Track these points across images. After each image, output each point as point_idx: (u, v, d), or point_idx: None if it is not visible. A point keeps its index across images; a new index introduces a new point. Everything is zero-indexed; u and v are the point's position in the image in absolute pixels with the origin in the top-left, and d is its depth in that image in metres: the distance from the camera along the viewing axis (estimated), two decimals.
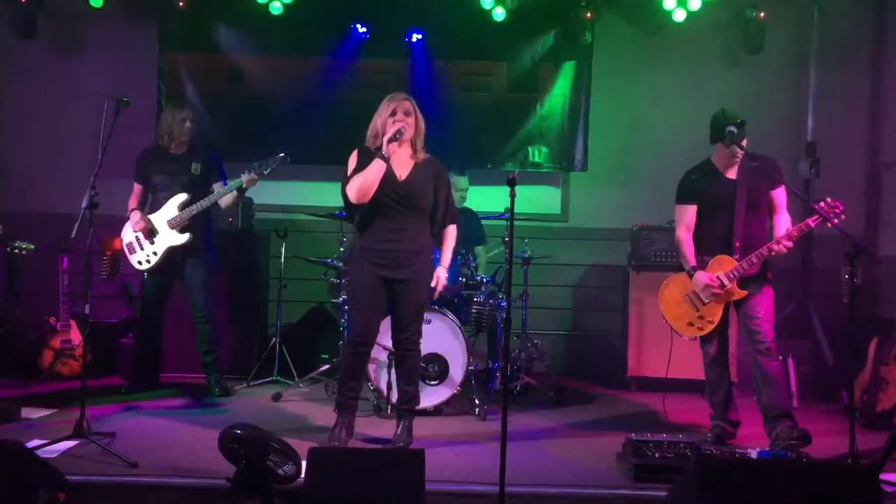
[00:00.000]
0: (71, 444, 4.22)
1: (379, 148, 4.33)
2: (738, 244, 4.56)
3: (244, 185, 5.33)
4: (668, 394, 5.30)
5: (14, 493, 3.33)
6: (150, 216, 5.48)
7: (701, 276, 4.59)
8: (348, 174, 4.40)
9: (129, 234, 5.53)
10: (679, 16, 6.49)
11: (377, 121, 4.41)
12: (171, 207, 5.45)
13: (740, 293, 4.58)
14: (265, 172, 5.31)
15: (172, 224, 5.42)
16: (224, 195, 5.39)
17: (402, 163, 4.42)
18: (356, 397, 4.55)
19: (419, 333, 4.53)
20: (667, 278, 4.84)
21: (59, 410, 5.01)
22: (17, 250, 4.55)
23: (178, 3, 6.59)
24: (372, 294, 4.41)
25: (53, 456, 4.03)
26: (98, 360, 5.86)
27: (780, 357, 4.67)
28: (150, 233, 5.44)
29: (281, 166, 5.32)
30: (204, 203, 5.37)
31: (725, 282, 4.54)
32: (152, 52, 6.82)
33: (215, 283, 5.67)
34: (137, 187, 5.58)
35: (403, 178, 4.39)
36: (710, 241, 4.66)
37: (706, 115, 4.74)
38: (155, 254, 5.46)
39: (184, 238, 5.42)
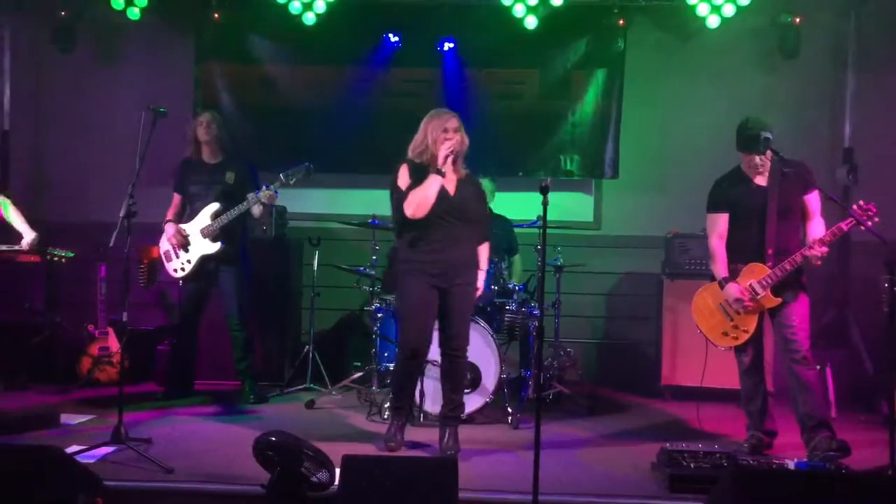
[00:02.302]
0: (109, 449, 4.29)
1: (427, 163, 4.41)
2: (770, 251, 4.51)
3: (263, 201, 5.34)
4: (703, 403, 5.24)
5: (54, 498, 3.38)
6: (185, 225, 5.56)
7: (732, 289, 4.54)
8: (402, 188, 4.45)
9: (165, 242, 5.62)
10: (713, 22, 6.43)
11: (426, 136, 4.46)
12: (205, 216, 5.52)
13: (774, 301, 4.52)
14: (291, 182, 5.35)
15: (205, 233, 5.49)
16: (250, 206, 5.41)
17: (449, 178, 4.50)
18: (411, 402, 4.67)
19: (467, 340, 4.60)
20: (700, 287, 4.79)
21: (97, 416, 5.10)
22: (56, 258, 4.63)
23: (214, 14, 6.69)
24: (425, 304, 4.49)
25: (92, 461, 4.10)
26: (135, 366, 5.94)
27: (817, 366, 4.60)
28: (185, 242, 5.52)
29: (315, 175, 5.37)
30: (234, 212, 5.41)
31: (759, 290, 4.49)
32: (188, 62, 6.92)
33: (249, 292, 5.72)
34: (176, 197, 5.67)
35: (454, 192, 4.49)
36: (742, 250, 4.61)
37: (740, 121, 4.70)
38: (189, 262, 5.54)
39: (215, 247, 5.48)
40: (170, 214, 5.64)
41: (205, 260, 5.53)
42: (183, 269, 5.56)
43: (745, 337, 4.59)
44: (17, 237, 4.66)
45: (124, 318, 4.53)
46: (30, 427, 4.77)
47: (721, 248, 4.66)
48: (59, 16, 6.72)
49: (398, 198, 4.45)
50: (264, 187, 5.35)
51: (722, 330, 4.63)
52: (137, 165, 4.51)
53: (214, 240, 5.49)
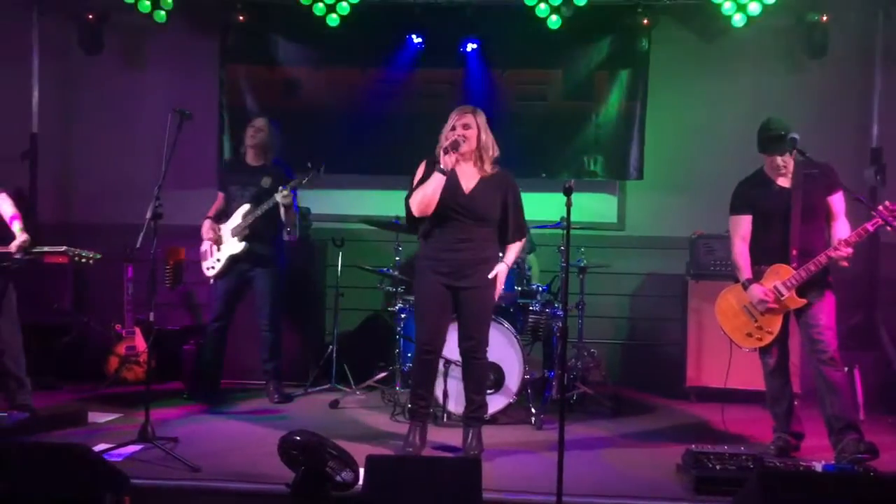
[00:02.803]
0: (136, 448, 4.35)
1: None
2: (794, 252, 4.47)
3: (280, 202, 5.39)
4: (729, 404, 5.20)
5: (82, 496, 3.42)
6: (222, 225, 5.66)
7: (755, 290, 4.51)
8: (413, 185, 4.44)
9: (205, 241, 5.71)
10: (738, 20, 6.37)
11: (443, 132, 4.45)
12: (237, 216, 5.61)
13: (799, 302, 4.48)
14: (303, 183, 5.41)
15: (234, 233, 5.57)
16: (262, 210, 5.46)
17: (469, 175, 4.45)
18: (428, 405, 4.61)
19: (485, 342, 4.54)
20: (724, 288, 4.76)
21: (125, 415, 5.16)
22: (83, 259, 4.68)
23: (239, 16, 6.73)
24: (436, 302, 4.45)
25: (119, 459, 4.16)
26: (161, 366, 5.99)
27: (845, 367, 4.55)
28: (219, 241, 5.61)
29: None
30: (258, 211, 5.48)
31: (783, 291, 4.45)
32: (213, 65, 6.97)
33: (282, 295, 5.75)
34: (220, 195, 5.78)
35: (469, 190, 4.43)
36: (766, 251, 4.58)
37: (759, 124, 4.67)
38: (219, 260, 5.62)
39: (240, 247, 5.54)
40: (210, 212, 5.74)
41: (234, 260, 5.59)
42: (213, 268, 5.66)
43: (770, 338, 4.55)
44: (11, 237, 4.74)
45: (151, 318, 4.58)
46: (58, 425, 4.84)
47: (744, 249, 4.63)
48: (86, 18, 6.80)
49: (408, 194, 4.46)
50: (280, 188, 5.40)
51: (746, 331, 4.60)
52: (163, 168, 4.55)
53: (242, 240, 5.54)
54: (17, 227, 4.66)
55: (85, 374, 6.13)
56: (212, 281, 5.71)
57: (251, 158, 5.74)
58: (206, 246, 5.70)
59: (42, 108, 7.04)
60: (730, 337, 4.65)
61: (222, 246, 5.61)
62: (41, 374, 5.24)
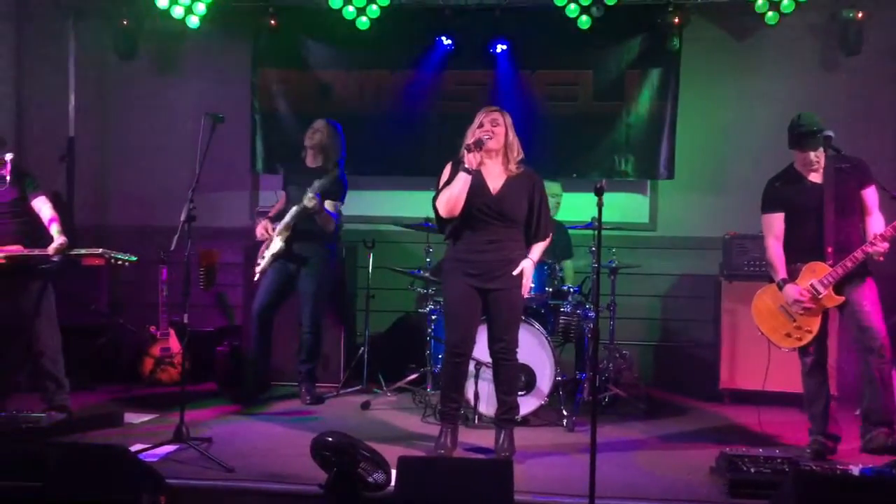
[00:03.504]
0: (171, 448, 4.39)
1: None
2: (830, 249, 4.40)
3: (308, 207, 5.37)
4: (765, 407, 5.14)
5: (118, 496, 3.47)
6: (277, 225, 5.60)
7: (790, 290, 4.45)
8: (439, 187, 4.45)
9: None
10: (771, 18, 6.31)
11: (468, 133, 4.44)
12: (287, 217, 5.56)
13: (836, 300, 4.41)
14: (325, 185, 5.40)
15: (278, 232, 5.54)
16: (296, 215, 5.45)
17: (495, 175, 4.44)
18: (458, 407, 4.61)
19: (515, 343, 4.52)
20: (759, 289, 4.70)
21: (160, 416, 5.22)
22: (119, 262, 4.75)
23: (270, 21, 6.80)
24: (465, 304, 4.44)
25: (154, 460, 4.20)
26: (195, 367, 6.06)
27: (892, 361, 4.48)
28: (268, 237, 5.58)
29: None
30: (292, 212, 5.44)
31: (820, 289, 4.39)
32: (245, 69, 7.05)
33: (326, 296, 5.74)
34: (283, 195, 5.79)
35: (496, 190, 4.41)
36: (801, 249, 4.52)
37: (789, 121, 4.62)
38: (263, 258, 5.59)
39: (278, 246, 5.50)
40: (271, 212, 5.76)
41: (276, 258, 5.54)
42: (258, 265, 5.63)
43: (809, 337, 4.49)
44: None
45: (185, 320, 4.63)
46: (95, 426, 4.91)
47: (778, 248, 4.57)
48: (121, 25, 6.92)
49: (435, 195, 4.46)
50: (307, 193, 5.38)
51: (785, 331, 4.54)
52: (197, 171, 4.61)
53: (283, 240, 5.52)
54: (55, 229, 4.74)
55: (121, 375, 6.21)
56: (256, 278, 5.65)
57: (309, 160, 5.70)
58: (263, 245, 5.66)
59: (79, 112, 7.17)
60: (768, 338, 4.59)
61: (270, 244, 5.57)
62: (78, 375, 5.32)
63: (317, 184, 5.40)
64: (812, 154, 4.46)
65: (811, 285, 4.41)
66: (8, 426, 4.61)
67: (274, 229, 5.57)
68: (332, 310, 6.34)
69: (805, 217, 4.51)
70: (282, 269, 5.61)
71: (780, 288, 4.50)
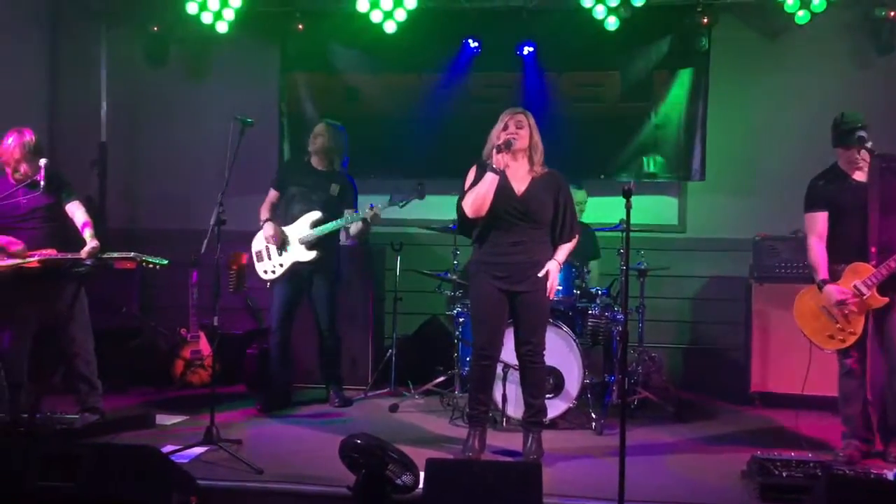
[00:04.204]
0: (201, 449, 4.44)
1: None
2: (873, 249, 4.33)
3: (368, 220, 5.37)
4: (797, 410, 5.07)
5: (150, 496, 3.51)
6: (285, 228, 5.54)
7: (831, 291, 4.38)
8: (465, 188, 4.44)
9: (259, 242, 5.60)
10: (802, 17, 6.24)
11: (492, 134, 4.44)
12: (304, 224, 5.49)
13: (881, 301, 4.33)
14: (401, 206, 5.42)
15: (302, 240, 5.47)
16: (349, 223, 5.46)
17: (520, 177, 4.43)
18: (486, 410, 4.61)
19: (542, 346, 4.51)
20: (802, 290, 4.61)
21: (190, 417, 5.27)
22: (151, 265, 4.80)
23: (298, 25, 6.85)
24: (492, 307, 4.44)
25: (185, 461, 4.25)
26: (225, 369, 6.09)
27: None
28: (282, 245, 5.51)
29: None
30: (332, 226, 5.42)
31: (863, 290, 4.32)
32: (273, 73, 7.11)
33: (340, 300, 5.77)
34: (273, 193, 5.63)
35: (521, 192, 4.40)
36: (843, 249, 4.45)
37: (833, 119, 4.56)
38: (281, 265, 5.51)
39: (311, 255, 5.45)
40: (267, 212, 5.60)
41: (296, 266, 5.50)
42: (273, 272, 5.53)
43: (853, 339, 4.41)
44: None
45: (215, 323, 4.67)
46: (127, 427, 4.97)
47: (821, 248, 4.50)
48: (152, 31, 7.01)
49: (459, 198, 4.46)
50: (369, 206, 5.36)
51: (828, 333, 4.47)
52: (226, 175, 4.65)
53: (311, 248, 5.46)
54: (87, 234, 4.81)
55: (152, 378, 6.28)
56: (268, 285, 5.64)
57: (316, 163, 5.68)
58: (261, 246, 5.60)
59: (110, 117, 7.27)
60: (810, 339, 4.52)
61: (288, 251, 5.50)
62: (110, 377, 5.39)
63: (394, 201, 5.40)
64: (856, 152, 4.40)
65: (854, 286, 4.34)
66: (43, 427, 4.67)
67: (283, 233, 5.48)
68: (360, 313, 6.37)
69: (849, 216, 4.44)
70: (294, 277, 5.54)
71: (820, 289, 4.44)
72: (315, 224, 5.48)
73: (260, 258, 5.62)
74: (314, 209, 5.51)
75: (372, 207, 5.37)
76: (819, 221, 4.52)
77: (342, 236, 5.86)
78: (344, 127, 5.79)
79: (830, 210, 4.49)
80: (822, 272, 4.45)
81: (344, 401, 5.75)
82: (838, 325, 4.42)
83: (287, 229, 5.54)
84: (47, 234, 4.85)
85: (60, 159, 6.42)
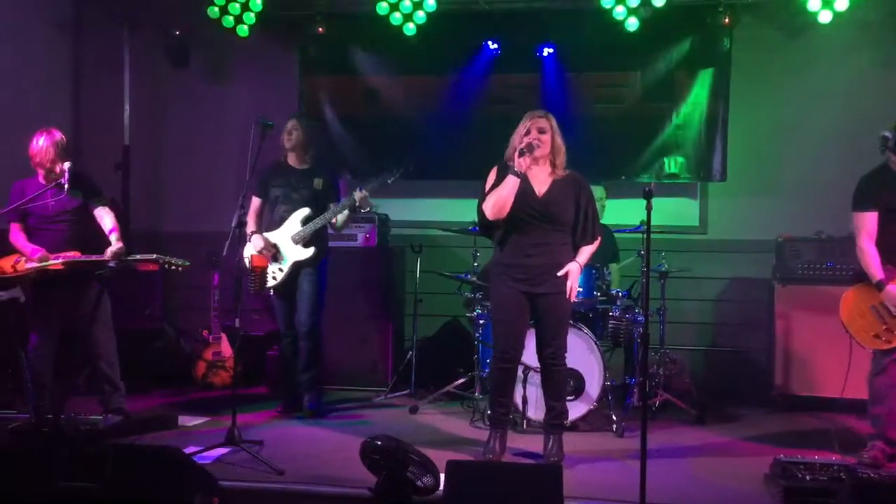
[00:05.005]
0: (223, 451, 4.47)
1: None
2: None
3: (357, 204, 5.24)
4: (821, 413, 5.03)
5: (173, 497, 3.54)
6: (272, 233, 5.41)
7: (894, 291, 4.33)
8: (485, 190, 4.44)
9: (250, 249, 5.39)
10: (825, 17, 6.17)
11: (514, 137, 4.44)
12: (294, 222, 5.37)
13: None
14: (389, 181, 5.30)
15: (296, 239, 5.35)
16: (339, 212, 5.32)
17: (541, 179, 4.43)
18: (507, 412, 4.60)
19: (564, 348, 4.51)
20: (848, 289, 4.56)
21: (212, 419, 5.30)
22: (173, 267, 4.84)
23: (318, 28, 6.87)
24: (513, 309, 4.43)
25: (208, 462, 4.28)
26: (247, 371, 6.12)
27: None
28: (276, 254, 5.37)
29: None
30: (322, 220, 5.32)
31: None
32: (293, 76, 7.14)
33: (323, 300, 5.47)
34: (256, 202, 5.46)
35: (542, 193, 4.40)
36: (891, 249, 4.40)
37: (856, 119, 4.51)
38: (281, 270, 5.38)
39: (308, 252, 5.34)
40: (253, 223, 5.41)
41: (296, 266, 5.36)
42: (274, 279, 5.37)
43: None
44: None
45: (237, 325, 4.70)
46: (150, 428, 5.02)
47: (872, 248, 4.43)
48: (174, 35, 7.06)
49: (480, 200, 4.46)
50: (357, 189, 5.25)
51: (873, 332, 4.41)
52: (248, 177, 4.67)
53: (306, 245, 5.35)
54: (114, 237, 4.86)
55: (175, 379, 6.32)
56: (271, 292, 5.45)
57: (294, 161, 5.48)
58: (249, 253, 5.36)
59: (133, 120, 7.32)
60: (854, 338, 4.47)
61: (282, 255, 5.35)
62: (133, 378, 5.43)
63: (380, 180, 5.30)
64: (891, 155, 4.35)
65: None
66: (67, 428, 4.72)
67: (272, 242, 5.36)
68: (380, 314, 6.38)
69: None
70: (290, 276, 5.40)
71: (881, 289, 4.37)
72: (306, 220, 5.36)
73: (254, 269, 5.41)
74: (299, 207, 5.39)
75: (361, 191, 5.24)
76: (868, 221, 4.46)
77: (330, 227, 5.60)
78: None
79: (880, 210, 4.44)
80: (879, 272, 4.38)
81: (318, 412, 5.44)
82: (885, 326, 4.38)
83: (276, 233, 5.40)
84: (72, 237, 4.91)
85: (85, 162, 6.49)
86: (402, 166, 5.31)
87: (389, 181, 5.35)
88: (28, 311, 4.88)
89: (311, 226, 5.34)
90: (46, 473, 3.60)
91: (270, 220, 5.50)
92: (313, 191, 5.44)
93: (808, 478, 3.86)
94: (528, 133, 4.38)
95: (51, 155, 4.85)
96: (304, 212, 5.39)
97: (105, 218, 4.95)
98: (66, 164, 4.78)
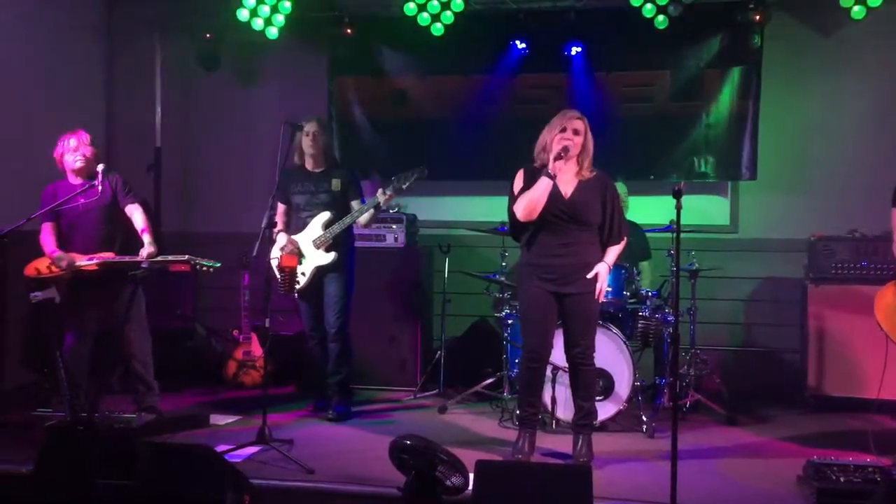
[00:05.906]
0: (254, 449, 4.51)
1: (545, 164, 4.35)
2: None
3: (381, 203, 5.23)
4: (856, 413, 4.96)
5: (205, 495, 3.58)
6: (295, 237, 5.40)
7: None
8: (514, 193, 4.44)
9: (276, 251, 5.40)
10: (857, 13, 6.09)
11: (546, 136, 4.43)
12: (315, 227, 5.35)
13: None
14: (403, 187, 5.21)
15: (318, 244, 5.33)
16: (363, 213, 5.29)
17: (567, 180, 4.42)
18: (536, 413, 4.60)
19: (592, 347, 4.49)
20: (884, 286, 4.50)
21: (243, 418, 5.36)
22: (204, 268, 4.89)
23: (346, 29, 6.90)
24: (541, 309, 4.43)
25: (239, 460, 4.31)
26: (277, 370, 6.18)
27: None
28: (300, 255, 5.33)
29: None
30: (346, 221, 5.29)
31: None
32: (322, 78, 7.19)
33: (350, 302, 5.44)
34: (282, 207, 5.45)
35: (569, 195, 4.39)
36: None
37: (890, 117, 4.45)
38: (303, 274, 5.34)
39: (330, 257, 5.31)
40: (281, 225, 5.45)
41: (318, 271, 5.35)
42: (297, 283, 5.32)
43: None
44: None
45: (267, 324, 4.73)
46: (183, 427, 5.08)
47: None
48: (205, 38, 7.13)
49: (510, 202, 4.46)
50: (379, 191, 5.24)
51: None
52: (277, 178, 4.71)
53: (328, 250, 5.32)
54: (146, 238, 4.92)
55: (206, 378, 6.40)
56: (296, 296, 5.40)
57: (312, 166, 5.43)
58: (276, 254, 5.36)
59: (165, 123, 7.42)
60: (891, 337, 4.42)
61: (305, 259, 5.32)
62: (165, 377, 5.50)
63: (402, 179, 5.22)
64: None
65: None
66: (102, 426, 4.79)
67: (298, 244, 5.35)
68: (409, 314, 6.40)
69: None
70: (313, 280, 5.38)
71: None
72: (327, 224, 5.33)
73: (284, 271, 5.33)
74: (321, 211, 5.36)
75: (384, 192, 5.20)
76: None
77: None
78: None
79: None
80: None
81: (344, 414, 5.41)
82: None
83: (298, 237, 5.39)
84: (105, 238, 4.97)
85: (117, 164, 6.59)
86: (418, 171, 5.23)
87: (404, 186, 5.23)
88: (63, 312, 4.96)
89: (331, 231, 5.31)
90: (82, 470, 3.65)
91: (295, 227, 5.48)
92: (332, 193, 5.39)
93: (841, 479, 3.81)
94: (563, 131, 4.36)
95: (88, 154, 4.94)
96: (325, 216, 5.36)
97: (135, 214, 4.99)
98: (101, 167, 4.85)
